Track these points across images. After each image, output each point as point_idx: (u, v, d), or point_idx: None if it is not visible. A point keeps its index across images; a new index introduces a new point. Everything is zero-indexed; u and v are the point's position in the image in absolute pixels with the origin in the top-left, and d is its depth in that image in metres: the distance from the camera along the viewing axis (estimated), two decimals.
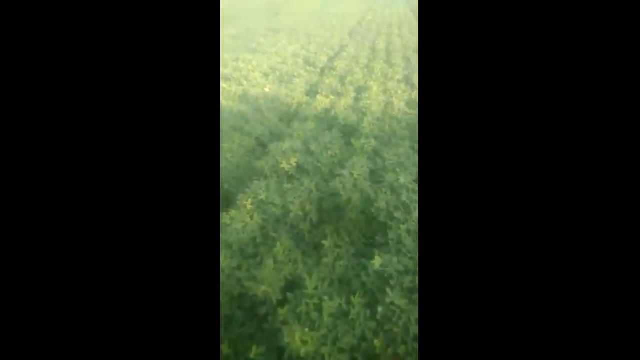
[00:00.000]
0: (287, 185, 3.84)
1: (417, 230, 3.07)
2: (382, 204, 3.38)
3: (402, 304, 2.35)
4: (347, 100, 6.60)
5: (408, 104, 6.66)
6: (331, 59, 10.42)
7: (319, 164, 4.35)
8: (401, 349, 2.17)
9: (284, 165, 4.29)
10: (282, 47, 11.17)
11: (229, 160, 4.79)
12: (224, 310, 2.66)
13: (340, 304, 2.30)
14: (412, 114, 6.08)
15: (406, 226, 3.08)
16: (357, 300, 2.39)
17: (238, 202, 3.66)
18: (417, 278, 2.55)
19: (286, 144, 4.68)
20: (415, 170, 4.07)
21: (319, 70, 9.16)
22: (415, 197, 3.47)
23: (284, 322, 2.33)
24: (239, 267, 2.96)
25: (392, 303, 2.39)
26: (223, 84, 7.50)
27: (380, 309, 2.36)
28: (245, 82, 7.73)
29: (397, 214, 3.23)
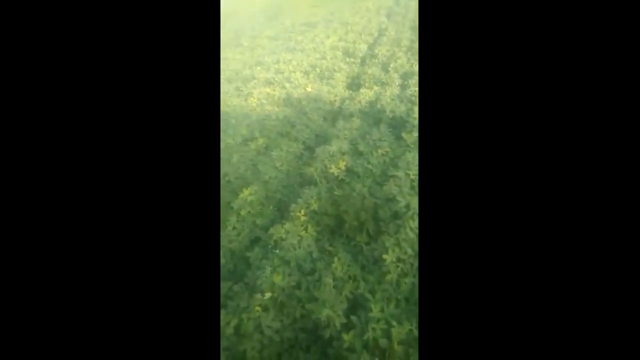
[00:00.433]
0: (337, 192, 3.66)
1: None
2: None
3: None
4: (393, 89, 6.20)
5: None
6: (371, 46, 9.94)
7: (369, 165, 4.10)
8: None
9: (333, 169, 4.12)
10: (320, 42, 10.92)
11: (279, 169, 4.72)
12: (286, 334, 2.58)
13: (410, 330, 2.08)
14: None
15: None
16: None
17: (292, 213, 3.57)
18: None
19: (333, 147, 4.50)
20: None
21: (359, 61, 8.77)
22: None
23: (351, 350, 2.17)
24: (298, 286, 2.87)
25: None
26: (267, 89, 7.50)
27: None
28: (287, 85, 7.65)
29: None
